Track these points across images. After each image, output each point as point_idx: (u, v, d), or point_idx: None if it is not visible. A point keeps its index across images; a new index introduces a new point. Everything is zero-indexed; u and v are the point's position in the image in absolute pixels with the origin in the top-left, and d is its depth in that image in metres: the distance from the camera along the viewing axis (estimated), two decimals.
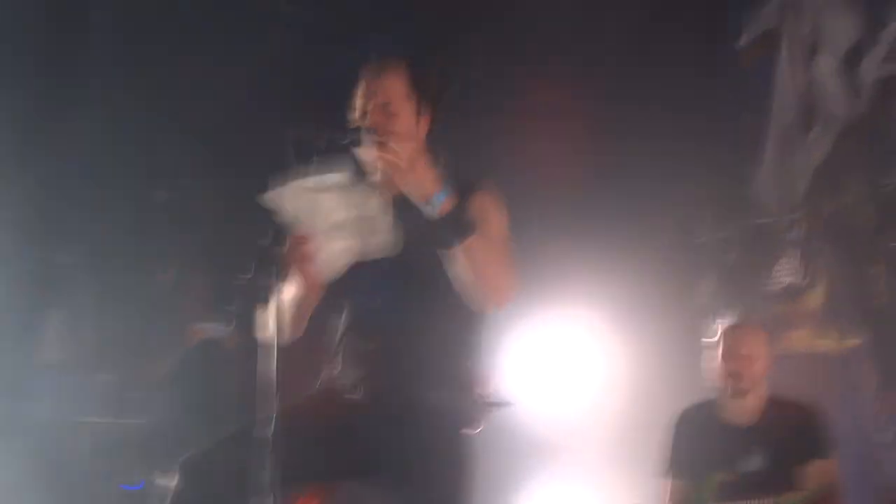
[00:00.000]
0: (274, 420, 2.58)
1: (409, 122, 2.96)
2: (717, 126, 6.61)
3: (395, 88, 2.96)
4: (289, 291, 2.89)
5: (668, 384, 5.95)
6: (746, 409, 4.26)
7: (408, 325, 2.91)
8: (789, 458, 4.14)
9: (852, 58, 6.17)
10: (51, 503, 5.17)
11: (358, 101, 2.97)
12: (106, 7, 5.31)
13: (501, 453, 5.27)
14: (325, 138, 2.81)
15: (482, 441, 3.13)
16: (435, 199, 2.74)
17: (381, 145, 2.80)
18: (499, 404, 4.50)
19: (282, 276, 2.78)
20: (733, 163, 6.58)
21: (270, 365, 2.64)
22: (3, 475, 5.01)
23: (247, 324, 5.27)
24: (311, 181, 2.79)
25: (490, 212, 2.96)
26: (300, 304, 2.93)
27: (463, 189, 2.95)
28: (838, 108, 6.21)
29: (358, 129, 2.90)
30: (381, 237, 2.84)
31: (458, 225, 2.76)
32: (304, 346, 3.37)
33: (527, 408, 5.94)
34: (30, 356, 5.66)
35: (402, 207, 2.85)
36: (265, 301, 2.68)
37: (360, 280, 2.96)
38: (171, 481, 2.84)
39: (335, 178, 2.78)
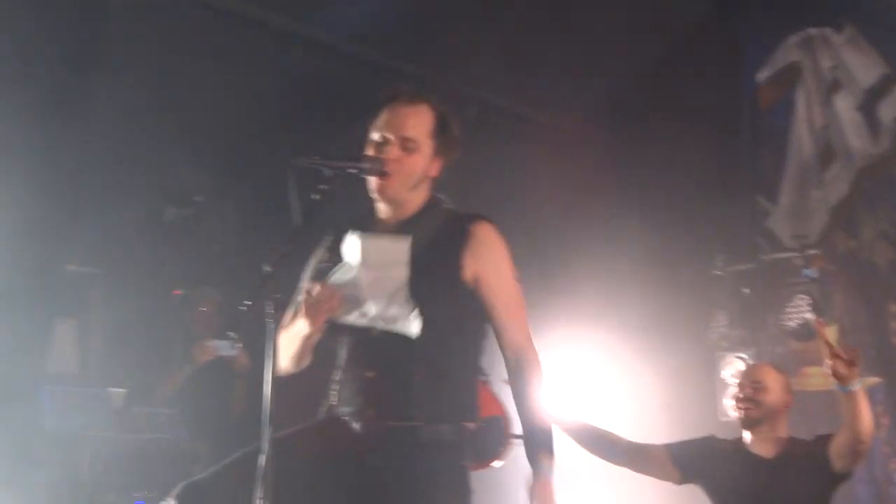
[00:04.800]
0: (267, 451, 2.56)
1: (422, 161, 2.94)
2: (736, 161, 6.61)
3: (420, 127, 2.93)
4: (296, 328, 2.88)
5: (678, 416, 5.91)
6: (764, 443, 4.23)
7: (407, 355, 2.88)
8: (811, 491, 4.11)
9: (873, 96, 6.14)
10: None
11: (379, 127, 2.93)
12: (122, 22, 5.32)
13: (508, 484, 5.24)
14: (333, 167, 2.79)
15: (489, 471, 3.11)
16: None
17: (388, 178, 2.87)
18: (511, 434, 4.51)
19: (295, 314, 2.84)
20: (750, 197, 6.56)
21: (276, 390, 2.62)
22: (11, 485, 5.00)
23: (252, 347, 5.30)
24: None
25: (495, 255, 2.95)
26: (305, 342, 2.90)
27: (459, 220, 2.96)
28: (857, 146, 6.18)
29: (372, 159, 2.89)
30: (398, 319, 2.86)
31: None
32: (310, 374, 3.36)
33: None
34: (40, 366, 5.65)
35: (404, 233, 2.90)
36: (271, 327, 2.66)
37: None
38: None
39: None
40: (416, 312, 2.83)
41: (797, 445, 4.23)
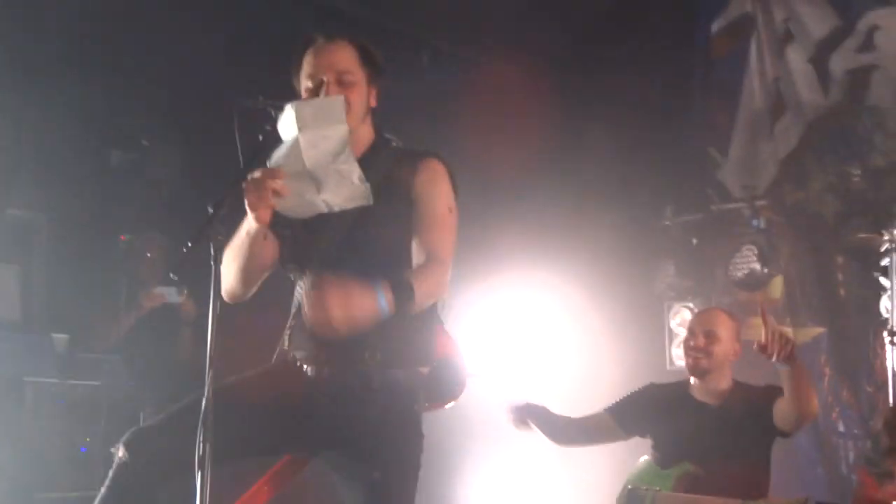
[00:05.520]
0: (206, 395, 2.51)
1: (363, 93, 2.96)
2: (687, 111, 6.61)
3: (350, 59, 2.96)
4: (241, 231, 2.82)
5: (626, 365, 5.96)
6: (710, 391, 4.24)
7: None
8: (753, 439, 4.11)
9: (824, 48, 6.16)
10: None
11: (310, 72, 2.93)
12: None
13: (459, 426, 5.27)
14: (278, 107, 2.74)
15: (439, 414, 3.11)
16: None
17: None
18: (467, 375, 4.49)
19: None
20: (700, 149, 6.58)
21: (222, 334, 2.58)
22: None
23: (199, 295, 5.24)
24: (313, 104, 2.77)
25: (437, 182, 2.95)
26: (252, 245, 2.83)
27: (411, 157, 2.97)
28: (808, 98, 6.20)
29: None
30: (350, 191, 2.76)
31: None
32: (263, 323, 3.32)
33: (485, 382, 5.92)
34: None
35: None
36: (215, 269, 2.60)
37: (314, 251, 2.92)
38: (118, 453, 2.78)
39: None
40: (363, 176, 2.75)
41: (742, 391, 4.22)
